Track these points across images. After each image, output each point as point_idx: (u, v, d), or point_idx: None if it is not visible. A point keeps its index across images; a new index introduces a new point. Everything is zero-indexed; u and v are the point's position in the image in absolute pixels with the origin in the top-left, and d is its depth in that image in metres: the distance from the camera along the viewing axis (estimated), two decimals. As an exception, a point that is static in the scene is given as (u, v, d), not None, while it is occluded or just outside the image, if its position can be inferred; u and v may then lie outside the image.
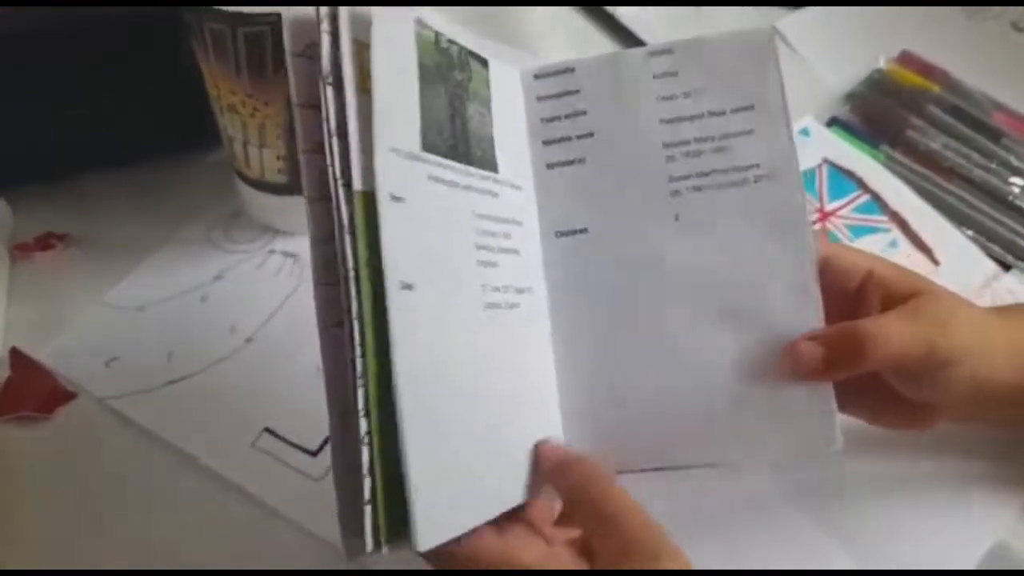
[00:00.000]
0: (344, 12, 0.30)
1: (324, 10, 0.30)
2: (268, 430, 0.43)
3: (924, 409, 0.38)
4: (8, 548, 0.40)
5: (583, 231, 0.37)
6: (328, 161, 0.30)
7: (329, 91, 0.30)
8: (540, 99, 0.38)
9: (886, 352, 0.34)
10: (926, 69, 0.60)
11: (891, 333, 0.35)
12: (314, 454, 0.43)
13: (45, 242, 0.49)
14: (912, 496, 0.42)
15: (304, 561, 0.40)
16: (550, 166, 0.38)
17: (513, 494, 0.33)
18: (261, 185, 0.47)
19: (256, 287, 0.48)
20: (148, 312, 0.47)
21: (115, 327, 0.46)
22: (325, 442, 0.43)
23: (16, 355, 0.45)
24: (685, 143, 0.37)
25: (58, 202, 0.51)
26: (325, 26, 0.30)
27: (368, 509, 0.29)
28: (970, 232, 0.53)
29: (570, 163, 0.38)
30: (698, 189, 0.36)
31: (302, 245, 0.49)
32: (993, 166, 0.56)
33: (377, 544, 0.29)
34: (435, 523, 0.29)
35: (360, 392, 0.29)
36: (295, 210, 0.49)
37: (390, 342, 0.29)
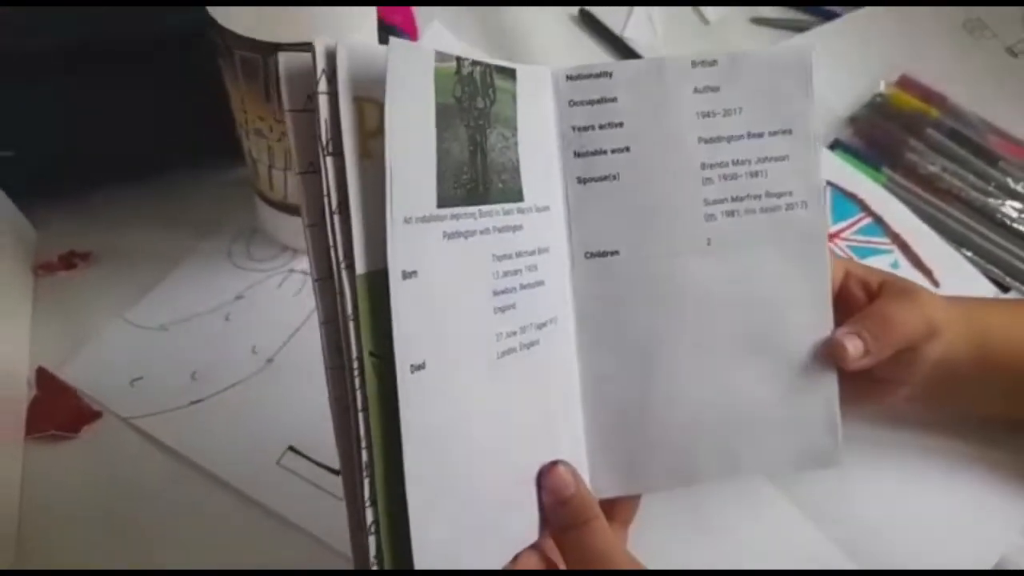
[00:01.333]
0: (343, 66, 0.28)
1: (320, 63, 0.28)
2: (292, 448, 0.44)
3: (880, 387, 0.41)
4: (36, 566, 0.40)
5: (614, 253, 0.36)
6: (330, 241, 0.28)
7: (329, 161, 0.28)
8: (573, 104, 0.36)
9: (898, 336, 0.38)
10: (925, 93, 0.62)
11: (899, 318, 0.38)
12: (339, 472, 0.43)
13: (68, 260, 0.49)
14: (918, 513, 0.44)
15: (330, 578, 0.41)
16: (582, 181, 0.36)
17: (529, 533, 0.34)
18: (283, 207, 0.48)
19: (276, 307, 0.49)
20: (171, 331, 0.48)
21: (138, 346, 0.47)
22: (348, 460, 0.44)
23: (42, 374, 0.45)
24: (723, 165, 0.36)
25: (79, 220, 0.51)
26: (322, 86, 0.28)
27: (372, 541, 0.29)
28: (969, 253, 0.55)
29: (604, 179, 0.36)
30: (731, 214, 0.36)
31: (322, 264, 0.51)
32: (991, 189, 0.57)
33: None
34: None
35: (367, 482, 0.29)
36: (317, 231, 0.50)
37: (400, 422, 0.28)
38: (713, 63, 0.36)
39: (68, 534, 0.41)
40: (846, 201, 0.57)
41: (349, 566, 0.41)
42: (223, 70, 0.42)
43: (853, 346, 0.37)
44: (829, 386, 0.38)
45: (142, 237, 0.51)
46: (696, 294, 0.37)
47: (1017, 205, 0.57)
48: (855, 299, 0.40)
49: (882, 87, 0.62)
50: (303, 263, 0.51)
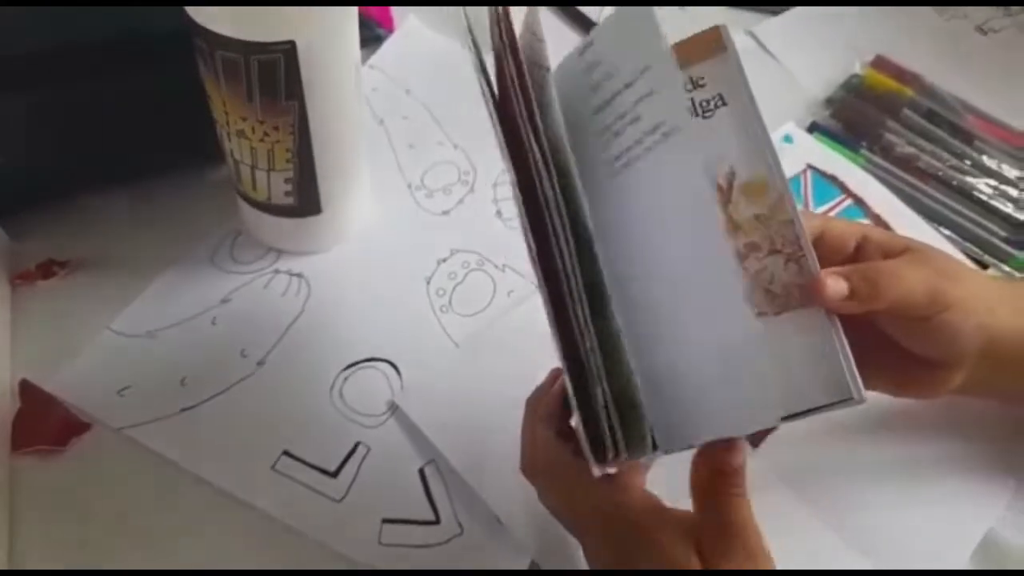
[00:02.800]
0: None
1: None
2: (287, 453, 0.44)
3: (931, 370, 0.40)
4: (31, 583, 0.40)
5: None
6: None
7: None
8: None
9: (897, 291, 0.36)
10: (900, 74, 0.63)
11: (902, 273, 0.37)
12: (334, 474, 0.43)
13: (47, 269, 0.48)
14: (906, 487, 0.44)
15: (332, 582, 0.41)
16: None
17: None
18: (267, 208, 0.47)
19: (264, 308, 0.48)
20: (158, 338, 0.47)
21: (125, 354, 0.46)
22: (344, 462, 0.44)
23: (26, 387, 0.44)
24: (610, 125, 0.36)
25: (57, 227, 0.50)
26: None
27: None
28: (947, 232, 0.55)
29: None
30: (627, 165, 0.36)
31: (307, 264, 0.50)
32: (967, 167, 0.58)
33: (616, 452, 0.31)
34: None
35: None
36: (302, 231, 0.49)
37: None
38: (590, 42, 0.37)
39: (61, 551, 0.41)
40: (826, 184, 0.57)
41: (348, 567, 0.41)
42: (203, 71, 0.42)
43: (834, 283, 0.34)
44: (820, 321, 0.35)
45: (122, 243, 0.50)
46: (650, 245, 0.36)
47: (993, 183, 0.58)
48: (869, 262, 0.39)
49: (858, 68, 0.63)
50: (288, 263, 0.50)
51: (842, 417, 0.36)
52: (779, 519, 0.42)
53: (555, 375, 0.40)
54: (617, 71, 0.36)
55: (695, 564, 0.33)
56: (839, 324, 0.34)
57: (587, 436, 0.32)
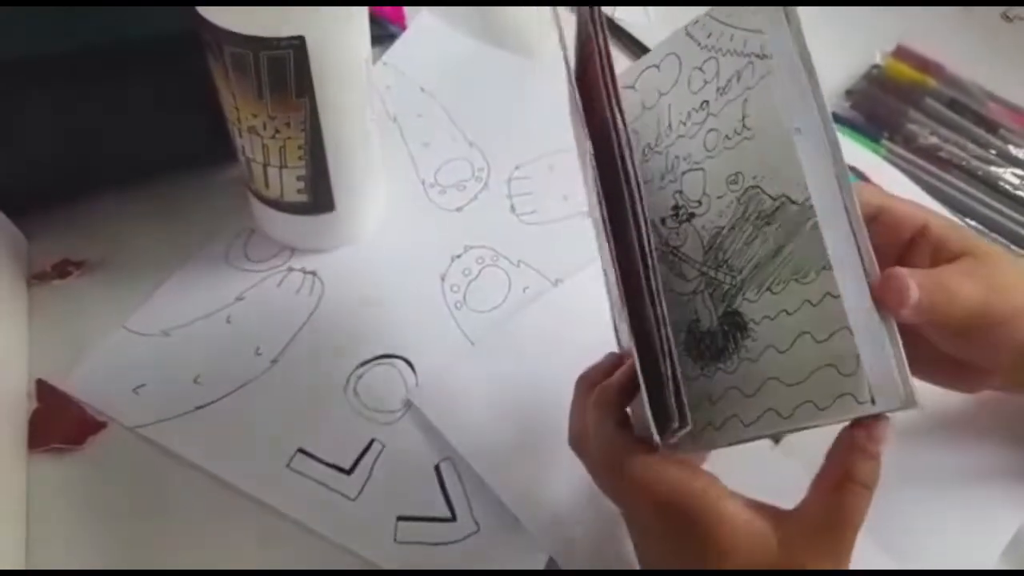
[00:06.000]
0: None
1: None
2: (302, 450, 0.44)
3: (972, 373, 0.38)
4: (47, 582, 0.40)
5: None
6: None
7: None
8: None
9: (948, 308, 0.33)
10: (922, 63, 0.61)
11: (956, 289, 0.33)
12: (349, 472, 0.43)
13: (62, 269, 0.48)
14: (936, 485, 0.43)
15: (346, 580, 0.40)
16: None
17: None
18: (280, 205, 0.47)
19: (278, 307, 0.48)
20: (173, 336, 0.47)
21: (140, 353, 0.46)
22: (358, 460, 0.44)
23: (43, 386, 0.44)
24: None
25: (71, 227, 0.50)
26: None
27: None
28: (973, 223, 0.54)
29: None
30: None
31: (320, 262, 0.50)
32: (992, 157, 0.57)
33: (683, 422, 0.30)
34: None
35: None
36: (315, 229, 0.49)
37: None
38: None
39: (78, 549, 0.41)
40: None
41: (363, 567, 0.41)
42: (213, 68, 0.42)
43: (910, 290, 0.31)
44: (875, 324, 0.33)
45: (136, 242, 0.50)
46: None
47: (1019, 172, 0.56)
48: (918, 256, 0.36)
49: (878, 58, 0.62)
50: (301, 261, 0.50)
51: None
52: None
53: (613, 359, 0.38)
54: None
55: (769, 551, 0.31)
56: (896, 328, 0.31)
57: (652, 413, 0.31)
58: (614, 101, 0.32)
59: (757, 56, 0.33)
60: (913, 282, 0.31)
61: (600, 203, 0.32)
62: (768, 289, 0.32)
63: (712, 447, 0.35)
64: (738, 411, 0.33)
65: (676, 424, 0.30)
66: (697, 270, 0.36)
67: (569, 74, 0.34)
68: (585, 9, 0.35)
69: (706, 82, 0.36)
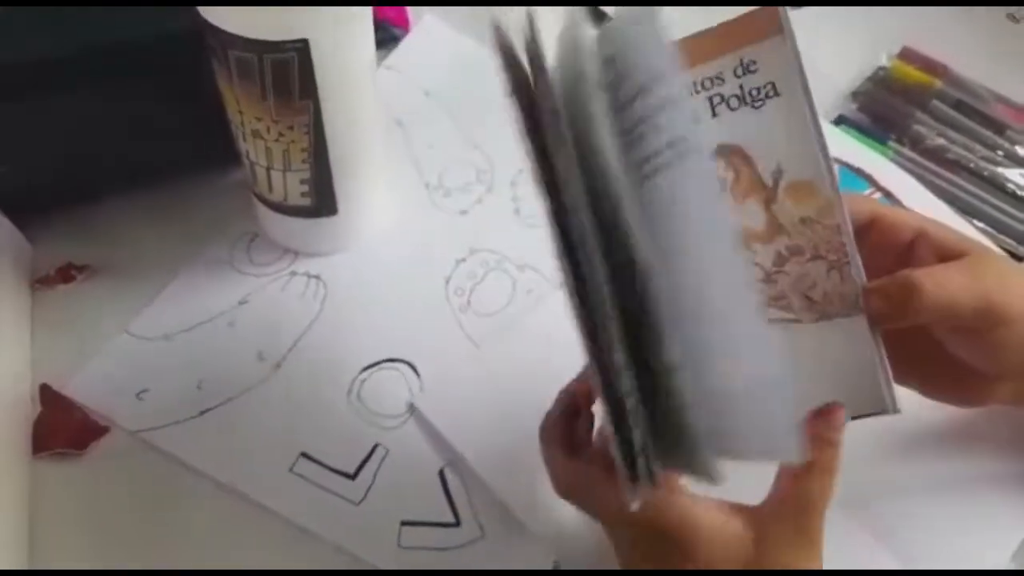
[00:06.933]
0: None
1: None
2: (305, 455, 0.43)
3: (980, 380, 0.38)
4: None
5: None
6: None
7: None
8: None
9: (938, 300, 0.33)
10: (928, 64, 0.61)
11: (946, 282, 0.34)
12: (352, 477, 0.43)
13: (65, 273, 0.48)
14: (944, 489, 0.43)
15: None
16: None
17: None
18: (283, 209, 0.47)
19: (281, 311, 0.48)
20: (175, 341, 0.47)
21: (143, 358, 0.46)
22: (362, 465, 0.43)
23: (46, 391, 0.44)
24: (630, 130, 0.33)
25: (75, 232, 0.50)
26: None
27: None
28: (981, 224, 0.54)
29: None
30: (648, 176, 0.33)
31: (324, 265, 0.50)
32: (999, 157, 0.56)
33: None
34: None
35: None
36: (318, 232, 0.49)
37: None
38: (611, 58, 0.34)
39: (81, 554, 0.40)
40: (854, 177, 0.56)
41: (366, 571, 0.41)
42: (216, 71, 0.41)
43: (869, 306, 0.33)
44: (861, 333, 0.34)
45: (140, 246, 0.50)
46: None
47: (1027, 174, 0.56)
48: (921, 260, 0.36)
49: (884, 60, 0.61)
50: (305, 265, 0.50)
51: (878, 422, 0.35)
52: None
53: (561, 398, 0.39)
54: (630, 73, 0.33)
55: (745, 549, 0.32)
56: (879, 337, 0.32)
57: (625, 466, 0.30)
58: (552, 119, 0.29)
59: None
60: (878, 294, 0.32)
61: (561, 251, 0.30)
62: None
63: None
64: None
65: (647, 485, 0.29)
66: None
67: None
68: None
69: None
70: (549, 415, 0.39)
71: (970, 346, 0.37)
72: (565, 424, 0.37)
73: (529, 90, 0.30)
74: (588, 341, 0.29)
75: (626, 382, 0.29)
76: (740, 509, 0.33)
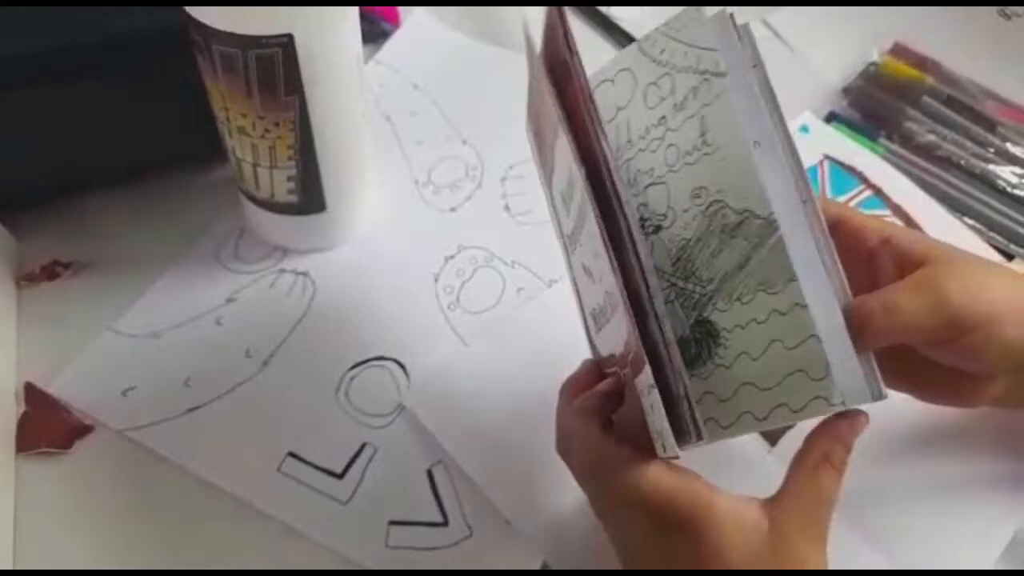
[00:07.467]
0: None
1: None
2: (292, 454, 0.43)
3: (972, 381, 0.38)
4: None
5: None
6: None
7: None
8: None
9: (892, 325, 0.33)
10: (919, 61, 0.61)
11: (896, 306, 0.33)
12: (340, 476, 0.43)
13: (51, 270, 0.48)
14: (932, 489, 0.43)
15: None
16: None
17: None
18: (271, 206, 0.47)
19: (269, 308, 0.48)
20: (162, 338, 0.46)
21: (128, 355, 0.46)
22: (350, 464, 0.43)
23: (31, 390, 0.44)
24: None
25: (61, 228, 0.50)
26: None
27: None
28: (971, 222, 0.54)
29: None
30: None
31: (312, 262, 0.50)
32: (990, 155, 0.56)
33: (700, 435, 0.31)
34: None
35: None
36: (306, 229, 0.49)
37: None
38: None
39: (66, 553, 0.40)
40: (844, 174, 0.56)
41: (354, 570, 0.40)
42: (201, 67, 0.41)
43: None
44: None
45: (126, 243, 0.49)
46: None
47: (1017, 170, 0.56)
48: (883, 271, 0.37)
49: (875, 56, 0.61)
50: (293, 262, 0.50)
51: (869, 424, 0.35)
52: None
53: (590, 366, 0.39)
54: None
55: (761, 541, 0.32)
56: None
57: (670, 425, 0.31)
58: (600, 134, 0.32)
59: (712, 74, 0.33)
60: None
61: (599, 224, 0.31)
62: (737, 299, 0.33)
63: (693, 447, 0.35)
64: (715, 415, 0.34)
65: (693, 439, 0.31)
66: (667, 280, 0.36)
67: (540, 86, 0.34)
68: (554, 11, 0.34)
69: (662, 98, 0.36)
70: (575, 376, 0.38)
71: (950, 354, 0.36)
72: (597, 398, 0.36)
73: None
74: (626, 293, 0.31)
75: (668, 330, 0.31)
76: (753, 499, 0.34)
